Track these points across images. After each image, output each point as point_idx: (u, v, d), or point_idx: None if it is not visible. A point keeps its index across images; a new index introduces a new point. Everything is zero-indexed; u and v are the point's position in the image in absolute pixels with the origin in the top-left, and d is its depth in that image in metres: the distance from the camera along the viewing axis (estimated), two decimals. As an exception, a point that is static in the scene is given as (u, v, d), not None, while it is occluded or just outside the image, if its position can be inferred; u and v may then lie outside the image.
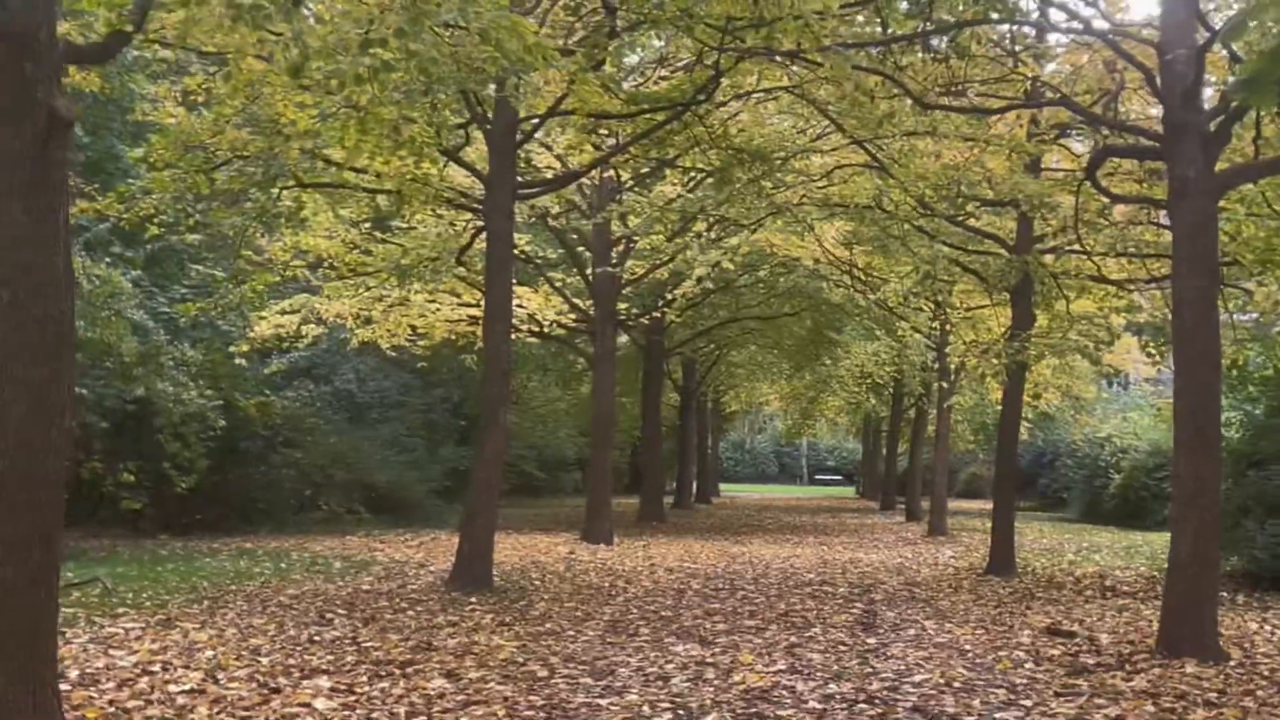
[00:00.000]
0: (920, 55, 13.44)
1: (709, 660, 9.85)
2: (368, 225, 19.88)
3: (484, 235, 16.63)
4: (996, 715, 7.90)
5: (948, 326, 27.06)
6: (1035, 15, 13.95)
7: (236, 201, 15.15)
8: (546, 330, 24.89)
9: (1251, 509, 15.54)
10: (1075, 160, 19.04)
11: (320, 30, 8.42)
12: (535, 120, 16.01)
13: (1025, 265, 17.44)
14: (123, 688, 8.26)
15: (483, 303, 16.47)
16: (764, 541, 25.37)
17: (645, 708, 8.05)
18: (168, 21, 11.66)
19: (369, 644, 10.37)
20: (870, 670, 9.43)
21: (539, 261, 24.36)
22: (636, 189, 22.01)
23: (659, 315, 28.38)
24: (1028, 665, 9.70)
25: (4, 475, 6.09)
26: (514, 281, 22.46)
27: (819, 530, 30.01)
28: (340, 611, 12.54)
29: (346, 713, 7.78)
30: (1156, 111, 14.93)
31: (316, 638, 10.75)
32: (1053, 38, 16.41)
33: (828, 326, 33.17)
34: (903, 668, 9.57)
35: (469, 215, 19.16)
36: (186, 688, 8.32)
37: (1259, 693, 8.44)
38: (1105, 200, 16.59)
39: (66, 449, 6.52)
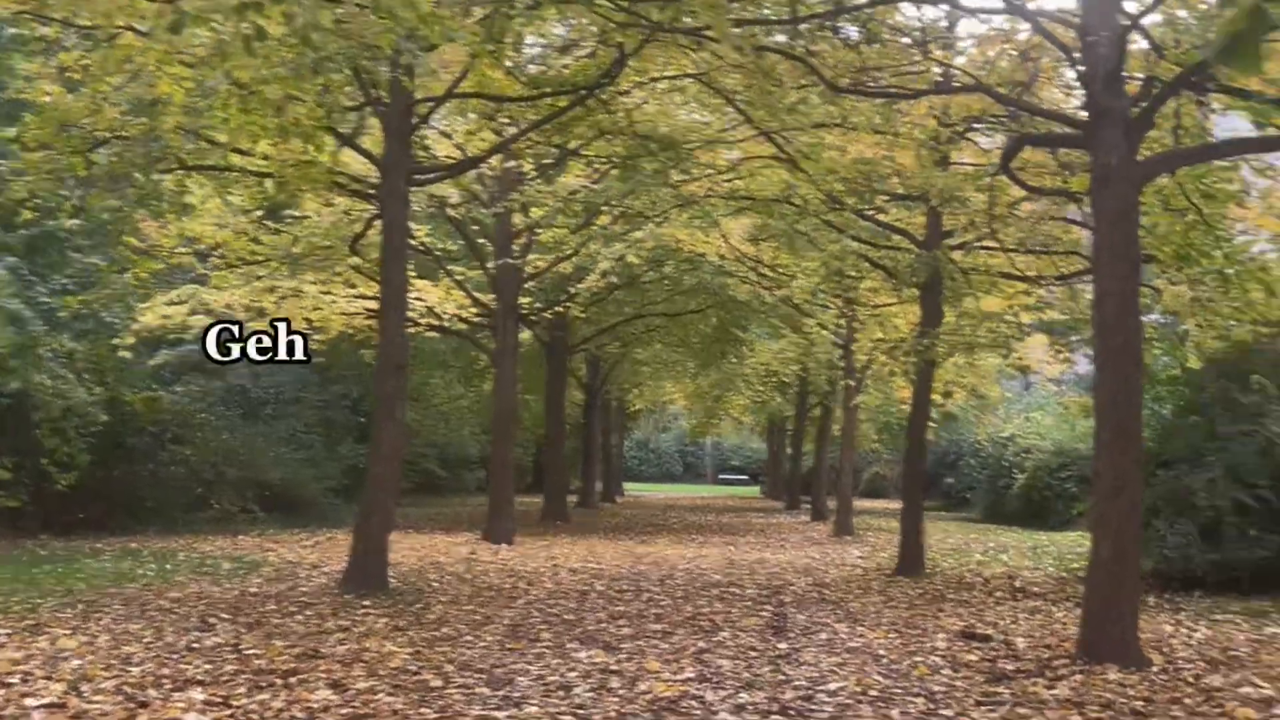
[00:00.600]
0: (831, 40, 13.09)
1: (614, 668, 9.33)
2: (259, 215, 19.07)
3: (379, 223, 15.99)
4: (916, 726, 7.48)
5: (855, 324, 26.90)
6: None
7: (118, 185, 14.35)
8: (447, 325, 24.23)
9: (1161, 509, 15.39)
10: (985, 156, 18.88)
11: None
12: (432, 102, 15.41)
13: (935, 260, 17.19)
14: (-27, 703, 7.58)
15: (380, 295, 15.83)
16: (669, 541, 24.95)
17: (545, 721, 7.54)
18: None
19: (251, 651, 9.73)
20: (783, 678, 8.96)
21: (439, 254, 23.67)
22: (539, 180, 21.43)
23: (563, 310, 27.89)
24: (945, 672, 9.29)
25: None
26: (414, 274, 21.85)
27: (725, 530, 29.68)
28: (224, 616, 11.88)
29: (219, 729, 7.19)
30: (1072, 103, 14.74)
31: (195, 645, 10.10)
32: (963, 29, 16.21)
33: (733, 324, 32.89)
34: (816, 675, 9.12)
35: (364, 204, 18.47)
36: (45, 702, 7.65)
37: (1186, 700, 8.09)
38: (1016, 195, 16.38)
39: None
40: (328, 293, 21.29)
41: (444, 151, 21.04)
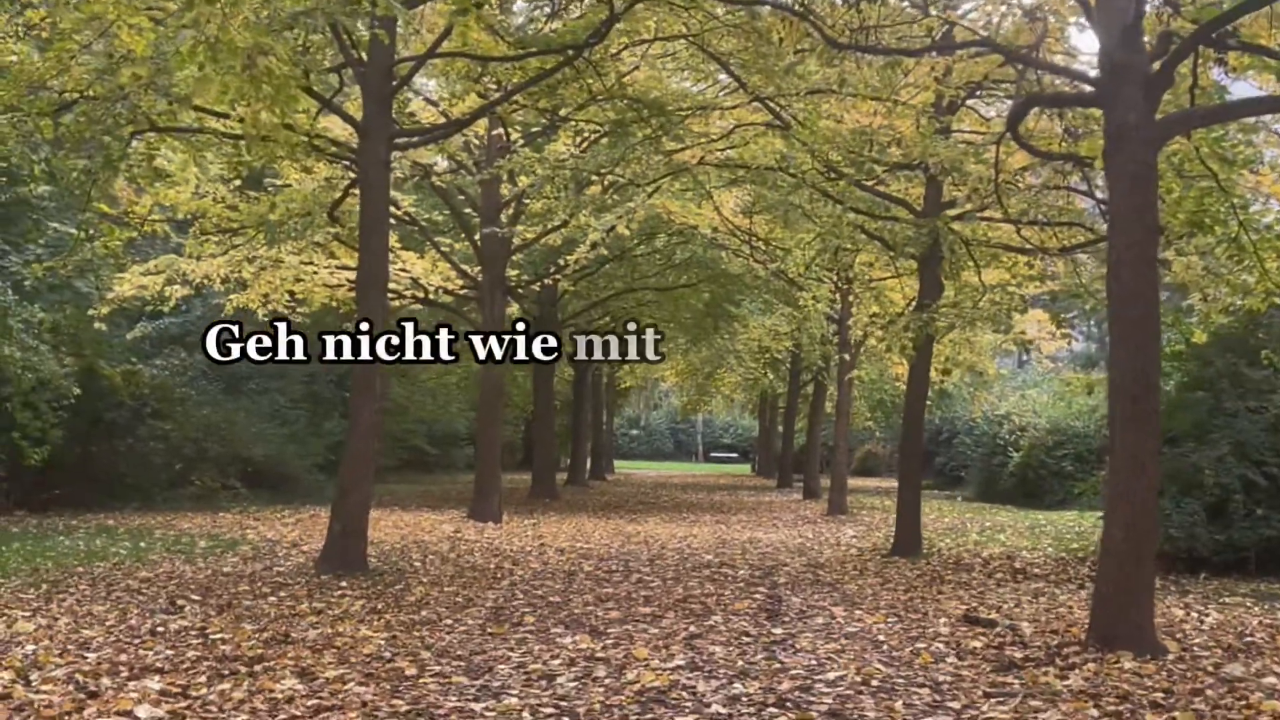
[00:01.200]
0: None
1: (600, 655, 8.81)
2: (238, 184, 18.44)
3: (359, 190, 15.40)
4: (923, 720, 6.98)
5: (850, 298, 26.41)
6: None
7: (86, 147, 13.72)
8: (432, 297, 23.68)
9: (1165, 488, 14.89)
10: (986, 125, 18.33)
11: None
12: (414, 62, 14.81)
13: (934, 230, 16.66)
14: (-90, 692, 7.06)
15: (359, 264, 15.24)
16: (660, 520, 24.44)
17: (525, 714, 7.01)
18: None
19: (218, 636, 9.23)
20: (779, 666, 8.43)
21: (424, 224, 23.07)
22: (528, 148, 20.82)
23: (551, 283, 27.34)
24: (950, 660, 8.76)
25: None
26: (398, 245, 21.30)
27: (716, 508, 29.18)
28: (194, 597, 11.41)
29: (172, 724, 6.67)
30: (1081, 63, 14.20)
31: (160, 628, 9.60)
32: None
33: (726, 299, 32.35)
34: (814, 663, 8.60)
35: (346, 171, 17.88)
36: (-13, 692, 7.14)
37: (1208, 692, 7.57)
38: (1019, 163, 15.83)
39: None
40: (309, 263, 20.69)
41: (429, 118, 20.48)
